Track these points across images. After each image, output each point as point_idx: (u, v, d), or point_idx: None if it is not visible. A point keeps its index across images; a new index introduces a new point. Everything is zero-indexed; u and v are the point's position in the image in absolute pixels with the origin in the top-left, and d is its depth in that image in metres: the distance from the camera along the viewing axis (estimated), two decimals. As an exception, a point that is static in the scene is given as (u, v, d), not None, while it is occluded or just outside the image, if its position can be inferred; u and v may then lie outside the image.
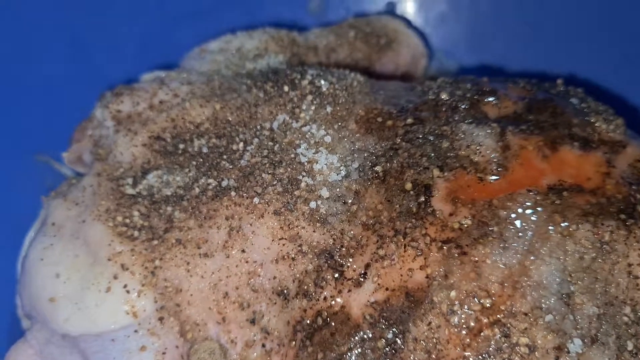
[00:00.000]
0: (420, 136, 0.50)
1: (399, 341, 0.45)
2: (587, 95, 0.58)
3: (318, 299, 0.49)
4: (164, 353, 0.49)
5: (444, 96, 0.53)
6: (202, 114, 0.56)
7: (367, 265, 0.48)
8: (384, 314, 0.46)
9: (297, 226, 0.49)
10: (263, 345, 0.51)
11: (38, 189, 0.73)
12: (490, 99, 0.52)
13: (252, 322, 0.51)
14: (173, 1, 0.79)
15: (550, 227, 0.45)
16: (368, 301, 0.47)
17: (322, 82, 0.55)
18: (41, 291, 0.51)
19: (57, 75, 0.77)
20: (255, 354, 0.52)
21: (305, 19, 0.81)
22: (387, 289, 0.47)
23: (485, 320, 0.43)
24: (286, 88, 0.56)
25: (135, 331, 0.49)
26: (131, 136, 0.56)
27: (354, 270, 0.48)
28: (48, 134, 0.73)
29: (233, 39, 0.68)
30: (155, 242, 0.51)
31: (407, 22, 0.77)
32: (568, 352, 0.43)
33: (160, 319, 0.50)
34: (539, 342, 0.43)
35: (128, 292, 0.49)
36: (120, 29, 0.79)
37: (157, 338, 0.49)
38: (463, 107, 0.52)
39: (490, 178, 0.48)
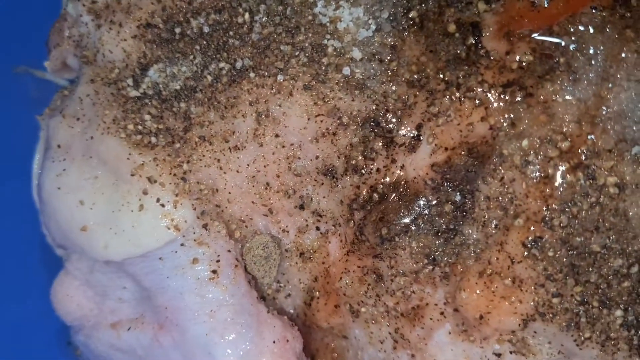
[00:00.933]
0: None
1: (468, 202, 0.42)
2: None
3: (370, 172, 0.45)
4: (217, 261, 0.46)
5: None
6: (193, -14, 0.48)
7: (419, 126, 0.43)
8: (447, 176, 0.42)
9: (332, 98, 0.44)
10: (317, 229, 0.48)
11: (25, 104, 0.67)
12: None
13: (302, 207, 0.48)
14: None
15: (623, 47, 0.39)
16: (427, 165, 0.43)
17: None
18: (70, 222, 0.47)
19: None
20: (310, 238, 0.49)
21: None
22: (446, 149, 0.42)
23: (566, 166, 0.39)
24: None
25: (182, 245, 0.46)
26: (116, 29, 0.49)
27: (405, 135, 0.44)
28: (19, 41, 0.66)
29: None
30: (178, 144, 0.47)
31: None
32: (661, 183, 0.39)
33: (205, 226, 0.47)
34: (628, 178, 0.39)
35: (163, 205, 0.46)
36: None
37: (206, 247, 0.46)
38: None
39: (545, 0, 0.41)
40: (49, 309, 0.55)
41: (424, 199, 0.43)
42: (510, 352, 0.42)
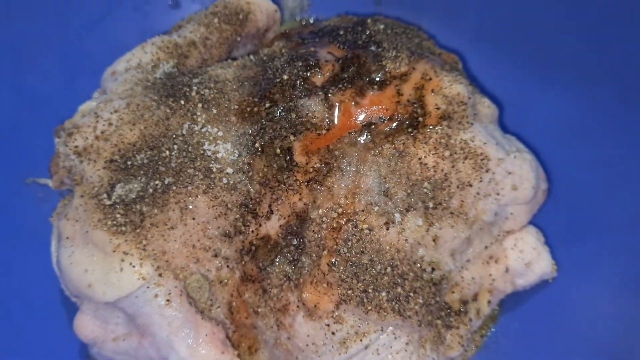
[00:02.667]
0: (277, 114, 0.77)
1: (301, 243, 0.76)
2: (384, 34, 0.83)
3: (248, 233, 0.78)
4: (169, 293, 0.78)
5: (285, 77, 0.78)
6: (134, 135, 0.81)
7: (270, 206, 0.77)
8: (288, 231, 0.76)
9: (220, 195, 0.77)
10: (227, 266, 0.81)
11: (35, 202, 0.99)
12: (316, 70, 0.77)
13: (215, 255, 0.81)
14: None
15: (367, 153, 0.74)
16: (277, 226, 0.77)
17: (206, 91, 0.80)
18: (80, 282, 0.79)
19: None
20: (223, 272, 0.82)
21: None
22: (285, 217, 0.76)
23: (342, 221, 0.73)
24: (182, 101, 0.80)
25: (148, 287, 0.78)
26: (92, 164, 0.81)
27: (263, 211, 0.77)
28: (23, 162, 0.98)
29: (132, 57, 0.90)
30: (138, 230, 0.78)
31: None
32: (394, 222, 0.73)
33: (160, 274, 0.78)
34: (374, 223, 0.73)
35: (134, 266, 0.77)
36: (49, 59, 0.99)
37: (162, 286, 0.78)
38: (299, 83, 0.77)
39: (324, 131, 0.75)
40: (72, 334, 0.88)
41: (278, 244, 0.77)
42: (334, 323, 0.76)
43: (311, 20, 1.07)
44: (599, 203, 0.84)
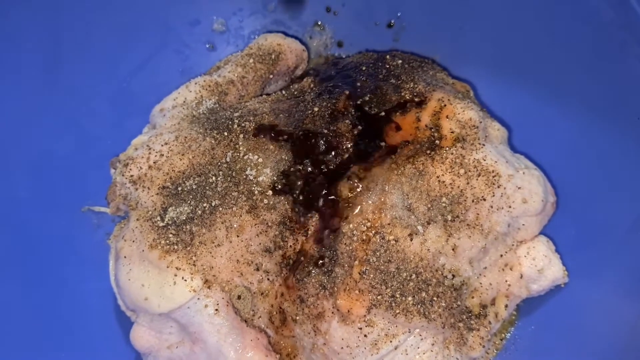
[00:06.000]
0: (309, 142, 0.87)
1: (334, 255, 0.85)
2: (402, 68, 0.93)
3: (287, 248, 0.88)
4: (217, 303, 0.87)
5: (315, 109, 0.88)
6: (183, 164, 0.91)
7: (305, 224, 0.86)
8: (323, 246, 0.85)
9: (261, 214, 0.87)
10: (268, 279, 0.90)
11: (90, 228, 1.10)
12: (342, 101, 0.87)
13: (257, 269, 0.90)
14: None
15: (391, 173, 0.83)
16: (312, 241, 0.86)
17: (246, 123, 0.90)
18: (138, 296, 0.89)
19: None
20: (264, 285, 0.91)
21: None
22: (319, 232, 0.85)
23: (370, 233, 0.82)
24: (226, 133, 0.91)
25: (198, 298, 0.87)
26: (147, 191, 0.92)
27: (300, 228, 0.87)
28: (79, 193, 1.09)
29: (178, 95, 1.01)
30: (189, 247, 0.88)
31: (284, 34, 1.09)
32: (417, 233, 0.82)
33: (208, 287, 0.88)
34: (400, 234, 0.82)
35: (185, 280, 0.87)
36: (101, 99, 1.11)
37: (210, 298, 0.87)
38: (328, 114, 0.87)
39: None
40: (126, 347, 0.97)
41: (314, 257, 0.86)
42: (366, 326, 0.84)
43: (335, 56, 1.18)
44: (603, 212, 0.92)
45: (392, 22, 1.15)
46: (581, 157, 0.97)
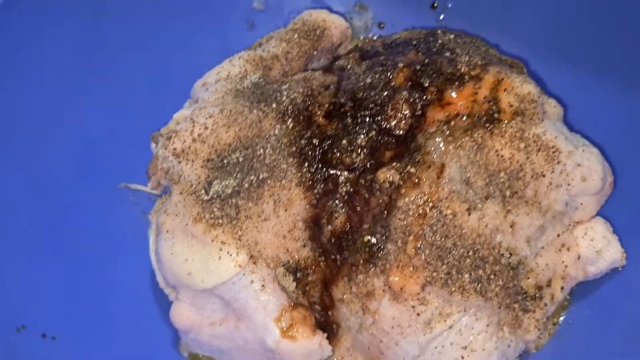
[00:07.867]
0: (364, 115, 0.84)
1: (386, 231, 0.82)
2: (455, 43, 0.90)
3: (336, 224, 0.85)
4: (264, 279, 0.85)
5: (368, 80, 0.86)
6: (229, 137, 0.88)
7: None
8: (375, 221, 0.82)
9: (312, 188, 0.84)
10: (315, 256, 0.87)
11: (127, 205, 1.07)
12: (397, 73, 0.85)
13: (304, 245, 0.87)
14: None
15: (448, 145, 0.80)
16: (364, 216, 0.83)
17: (295, 94, 0.88)
18: (180, 271, 0.86)
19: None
20: (311, 261, 0.88)
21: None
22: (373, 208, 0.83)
23: (427, 207, 0.79)
24: (274, 105, 0.88)
25: (244, 274, 0.84)
26: (191, 164, 0.89)
27: (351, 203, 0.84)
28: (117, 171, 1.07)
29: (221, 70, 0.98)
30: (234, 221, 0.85)
31: (329, 9, 1.07)
32: (474, 208, 0.79)
33: (254, 262, 0.85)
34: (457, 209, 0.79)
35: (231, 255, 0.84)
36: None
37: (256, 274, 0.84)
38: (382, 85, 0.84)
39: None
40: (164, 326, 0.95)
41: (364, 233, 0.83)
42: (419, 305, 0.81)
43: (374, 38, 1.15)
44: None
45: (436, 3, 1.13)
46: (636, 138, 0.94)
